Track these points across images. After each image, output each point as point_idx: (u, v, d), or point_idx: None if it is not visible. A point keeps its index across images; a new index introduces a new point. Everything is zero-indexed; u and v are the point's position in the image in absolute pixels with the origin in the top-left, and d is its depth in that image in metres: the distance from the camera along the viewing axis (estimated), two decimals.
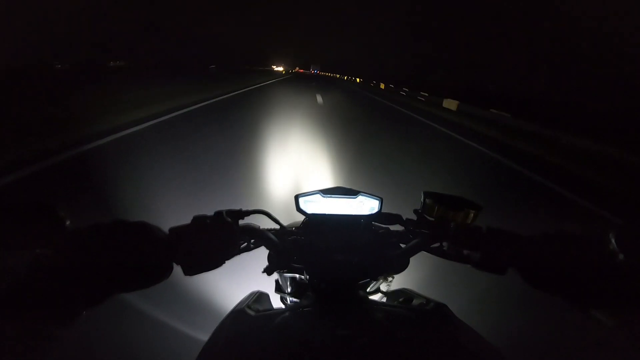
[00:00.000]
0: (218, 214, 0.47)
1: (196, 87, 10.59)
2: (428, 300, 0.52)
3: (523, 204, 3.41)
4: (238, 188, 2.88)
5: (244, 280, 1.15)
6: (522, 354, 1.38)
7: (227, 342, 0.42)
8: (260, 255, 0.57)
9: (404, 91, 22.23)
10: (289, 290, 0.67)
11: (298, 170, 3.57)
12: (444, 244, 0.51)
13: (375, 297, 0.64)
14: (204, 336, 0.45)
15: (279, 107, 8.77)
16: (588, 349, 1.37)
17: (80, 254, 0.35)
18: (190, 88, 10.06)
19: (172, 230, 0.42)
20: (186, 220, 0.45)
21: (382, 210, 0.55)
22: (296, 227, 0.57)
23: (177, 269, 0.42)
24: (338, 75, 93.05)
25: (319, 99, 11.94)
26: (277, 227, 0.56)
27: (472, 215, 0.51)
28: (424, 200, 0.54)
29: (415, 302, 0.55)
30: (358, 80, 53.73)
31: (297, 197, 0.53)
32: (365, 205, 0.55)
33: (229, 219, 0.46)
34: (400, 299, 0.60)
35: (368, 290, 0.62)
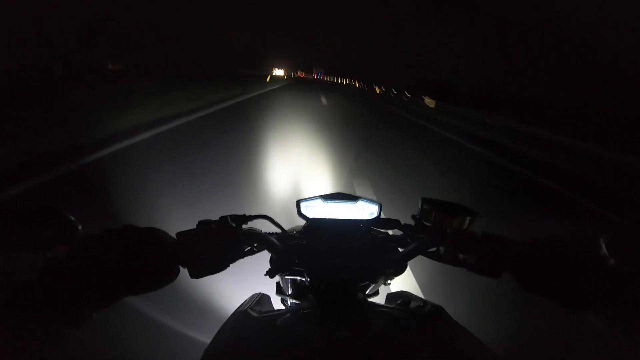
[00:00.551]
0: (223, 219, 0.48)
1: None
2: (425, 303, 0.54)
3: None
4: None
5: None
6: (517, 355, 1.40)
7: (230, 343, 0.43)
8: (261, 258, 0.59)
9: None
10: (289, 292, 0.68)
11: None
12: (441, 248, 0.52)
13: (374, 299, 0.65)
14: (207, 338, 0.46)
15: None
16: (581, 351, 1.39)
17: (91, 257, 0.37)
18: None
19: (178, 234, 0.44)
20: (192, 224, 0.47)
21: (381, 216, 0.57)
22: (297, 232, 0.59)
23: (183, 272, 0.44)
24: (346, 82, 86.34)
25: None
26: (279, 231, 0.58)
27: (467, 221, 0.53)
28: (422, 206, 0.56)
29: (413, 304, 0.56)
30: (377, 90, 46.34)
31: (298, 203, 0.55)
32: (364, 211, 0.57)
33: (233, 224, 0.48)
34: (399, 302, 0.61)
35: (367, 292, 0.63)
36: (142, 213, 2.26)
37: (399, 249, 0.56)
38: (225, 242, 0.45)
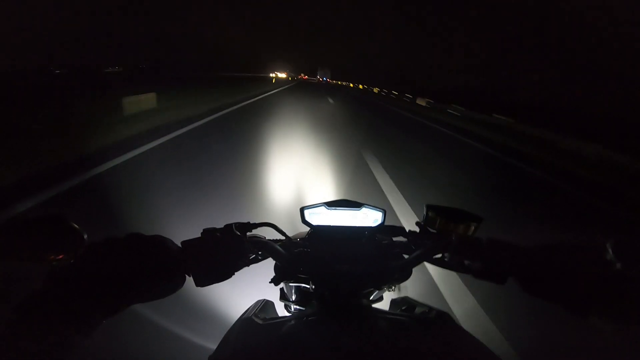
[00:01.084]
0: (227, 227, 0.49)
1: None
2: (430, 309, 0.53)
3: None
4: None
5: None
6: None
7: (235, 351, 0.43)
8: (265, 265, 0.59)
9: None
10: (293, 298, 0.68)
11: None
12: (446, 254, 0.52)
13: (379, 305, 0.65)
14: (212, 344, 0.46)
15: None
16: (589, 355, 1.37)
17: (97, 266, 0.37)
18: None
19: (184, 243, 0.44)
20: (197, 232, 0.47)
21: (386, 222, 0.56)
22: (302, 239, 0.59)
23: (188, 280, 0.44)
24: (362, 86, 62.52)
25: None
26: (284, 238, 0.58)
27: (472, 227, 0.53)
28: (427, 213, 0.56)
29: (418, 310, 0.56)
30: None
31: (302, 210, 0.55)
32: (369, 217, 0.57)
33: (238, 232, 0.48)
34: (403, 308, 0.61)
35: (372, 299, 0.63)
36: None
37: (404, 255, 0.56)
38: (230, 250, 0.46)
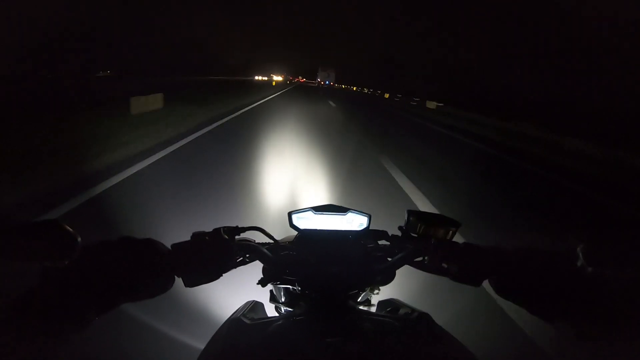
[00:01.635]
0: (216, 230, 0.51)
1: None
2: (413, 310, 0.55)
3: None
4: None
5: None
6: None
7: (223, 350, 0.45)
8: (256, 267, 0.61)
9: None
10: (282, 300, 0.70)
11: None
12: (426, 258, 0.54)
13: (365, 307, 0.67)
14: (201, 344, 0.48)
15: None
16: (559, 357, 1.42)
17: (90, 268, 0.39)
18: None
19: (173, 246, 0.46)
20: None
21: (370, 227, 0.59)
22: (289, 242, 0.61)
23: (178, 281, 0.46)
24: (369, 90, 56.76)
25: None
26: (272, 241, 0.60)
27: (451, 232, 0.55)
28: (408, 217, 0.58)
29: (401, 311, 0.58)
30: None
31: (290, 214, 0.57)
32: (354, 222, 0.59)
33: (226, 236, 0.50)
34: (388, 309, 0.63)
35: (359, 300, 0.65)
36: None
37: (388, 258, 0.58)
38: (218, 253, 0.48)
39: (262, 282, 0.55)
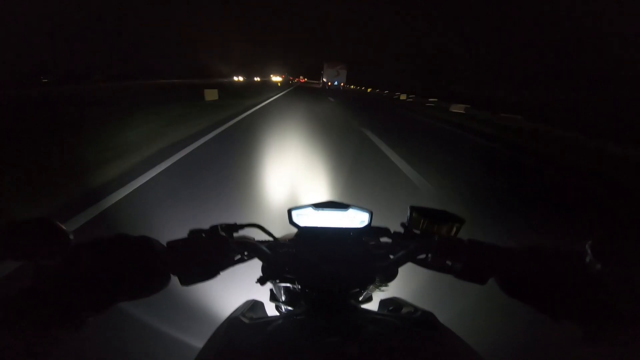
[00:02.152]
0: (213, 228, 0.50)
1: None
2: (416, 309, 0.54)
3: None
4: None
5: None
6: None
7: (221, 350, 0.44)
8: (256, 265, 0.60)
9: None
10: (282, 299, 0.69)
11: None
12: (429, 255, 0.53)
13: (368, 305, 0.66)
14: (199, 344, 0.47)
15: None
16: (564, 357, 1.40)
17: (83, 265, 0.38)
18: None
19: (169, 243, 0.45)
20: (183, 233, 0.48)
21: (372, 223, 0.57)
22: (289, 239, 0.60)
23: (175, 279, 0.45)
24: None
25: None
26: (271, 239, 0.59)
27: (455, 228, 0.54)
28: (411, 214, 0.57)
29: (404, 310, 0.57)
30: None
31: (290, 211, 0.56)
32: (355, 218, 0.57)
33: (224, 233, 0.49)
34: (390, 308, 0.62)
35: (360, 299, 0.64)
36: None
37: (390, 256, 0.57)
38: (215, 250, 0.47)
39: (261, 281, 0.54)
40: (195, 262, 0.45)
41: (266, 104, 12.68)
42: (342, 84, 41.59)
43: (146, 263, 0.41)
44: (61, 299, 0.35)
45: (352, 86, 57.50)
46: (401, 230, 0.59)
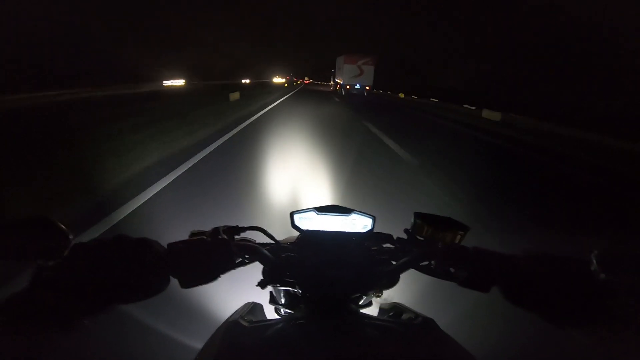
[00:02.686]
0: (215, 230, 0.49)
1: None
2: (416, 315, 0.54)
3: None
4: None
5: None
6: None
7: (219, 352, 0.43)
8: (257, 267, 0.59)
9: None
10: (282, 301, 0.69)
11: None
12: (432, 262, 0.52)
13: (367, 310, 0.66)
14: (197, 347, 0.47)
15: None
16: None
17: (82, 266, 0.38)
18: None
19: (170, 245, 0.45)
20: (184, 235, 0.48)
21: (375, 229, 0.57)
22: (291, 243, 0.59)
23: (175, 282, 0.45)
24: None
25: None
26: (273, 242, 0.58)
27: (459, 235, 0.53)
28: (415, 220, 0.56)
29: (405, 316, 0.57)
30: None
31: (292, 214, 0.56)
32: (358, 223, 0.57)
33: (225, 235, 0.49)
34: (391, 313, 0.62)
35: (360, 304, 0.64)
36: None
37: (392, 262, 0.57)
38: (216, 253, 0.46)
39: (262, 284, 0.53)
40: (196, 264, 0.44)
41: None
42: (367, 88, 25.40)
43: (146, 265, 0.41)
44: (60, 299, 0.35)
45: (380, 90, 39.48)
46: (404, 236, 0.59)
